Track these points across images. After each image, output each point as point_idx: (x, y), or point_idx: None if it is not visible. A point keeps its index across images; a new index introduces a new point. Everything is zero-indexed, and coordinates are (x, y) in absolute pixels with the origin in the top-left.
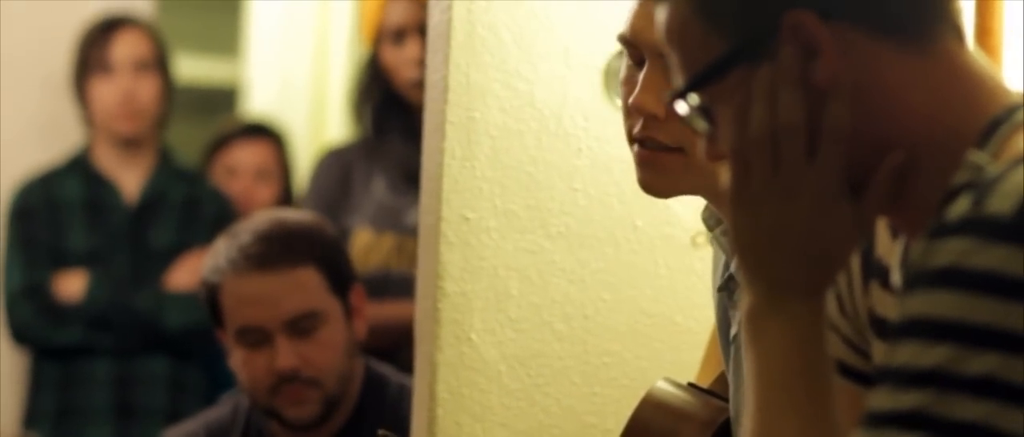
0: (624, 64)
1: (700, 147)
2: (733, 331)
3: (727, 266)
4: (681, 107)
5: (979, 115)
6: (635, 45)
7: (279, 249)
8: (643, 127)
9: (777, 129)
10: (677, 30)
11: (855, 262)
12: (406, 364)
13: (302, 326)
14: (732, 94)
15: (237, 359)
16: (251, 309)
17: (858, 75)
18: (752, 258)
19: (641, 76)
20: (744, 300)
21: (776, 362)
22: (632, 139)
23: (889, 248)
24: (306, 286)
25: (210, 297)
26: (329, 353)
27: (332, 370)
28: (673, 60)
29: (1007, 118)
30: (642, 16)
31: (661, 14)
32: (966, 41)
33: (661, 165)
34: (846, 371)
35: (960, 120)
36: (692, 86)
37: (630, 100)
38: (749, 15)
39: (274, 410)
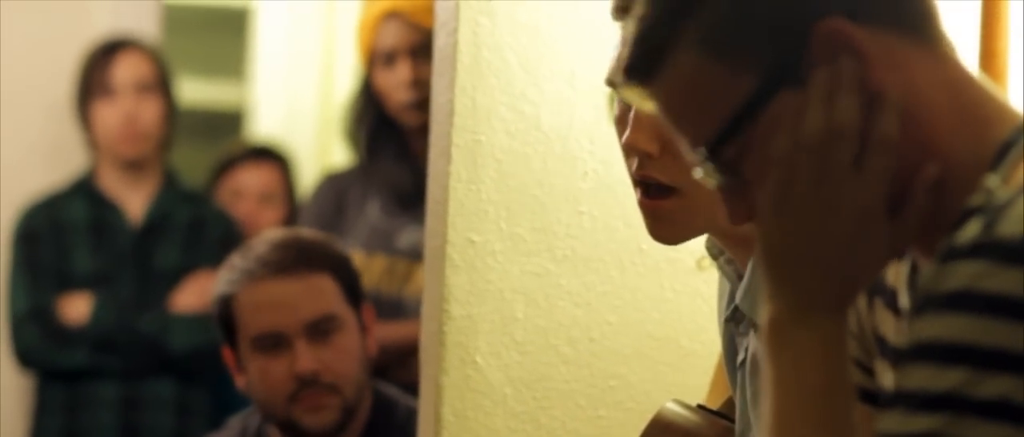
0: (616, 103)
1: (721, 210)
2: (739, 358)
3: (733, 296)
4: (699, 172)
5: (992, 133)
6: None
7: (296, 256)
8: (639, 167)
9: (832, 134)
10: (685, 87)
11: None
12: (397, 384)
13: (321, 328)
14: (767, 133)
15: (253, 370)
16: (269, 314)
17: (895, 82)
18: (783, 268)
19: (631, 115)
20: (766, 310)
21: (801, 375)
22: (633, 181)
23: (895, 268)
24: (324, 291)
25: (223, 310)
26: (347, 359)
27: (350, 377)
28: (682, 128)
29: (1017, 141)
30: None
31: (648, 101)
32: None
33: (663, 214)
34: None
35: (977, 137)
36: (731, 131)
37: (623, 140)
38: (774, 37)
39: (292, 420)
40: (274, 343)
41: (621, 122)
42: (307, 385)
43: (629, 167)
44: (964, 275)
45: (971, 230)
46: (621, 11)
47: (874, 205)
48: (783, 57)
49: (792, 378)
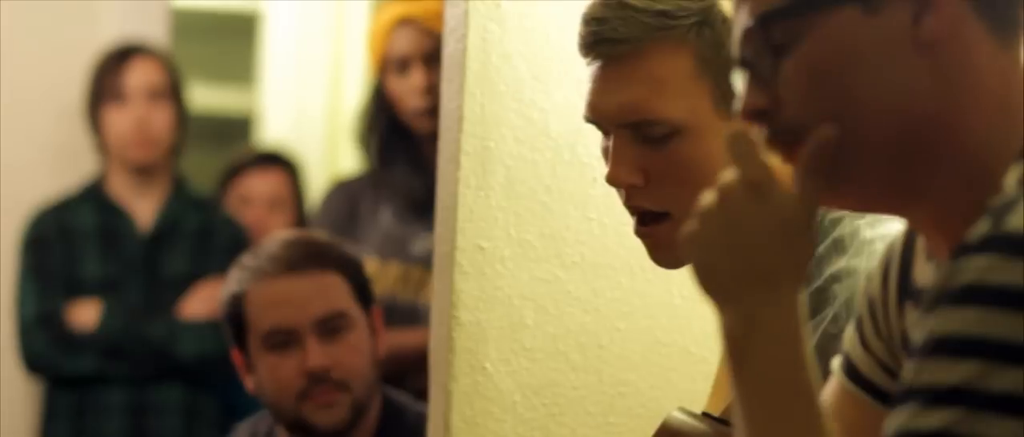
0: (601, 139)
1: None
2: None
3: None
4: (754, 33)
5: None
6: (597, 121)
7: (306, 254)
8: (627, 197)
9: (744, 185)
10: None
11: (892, 282)
12: (412, 391)
13: (331, 325)
14: (815, 45)
15: (263, 368)
16: (280, 310)
17: (955, 50)
18: (718, 283)
19: (610, 149)
20: (720, 326)
21: (771, 375)
22: (627, 210)
23: (924, 270)
24: (334, 288)
25: (234, 309)
26: (357, 357)
27: (360, 374)
28: None
29: None
30: (597, 91)
31: None
32: None
33: (659, 240)
34: (879, 394)
35: (1014, 131)
36: (789, 11)
37: (605, 175)
38: None
39: (302, 418)
40: (284, 340)
41: (605, 155)
42: (317, 382)
43: (621, 196)
44: (973, 270)
45: (981, 226)
46: (586, 47)
47: (794, 216)
48: None
49: (757, 380)
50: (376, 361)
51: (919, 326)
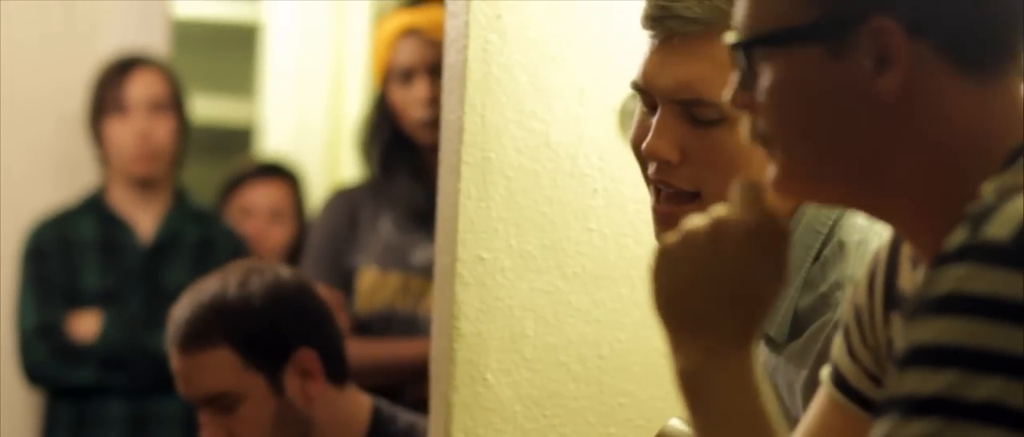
0: (638, 109)
1: (732, 111)
2: None
3: None
4: (732, 40)
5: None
6: (647, 92)
7: (193, 332)
8: (657, 171)
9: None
10: None
11: (878, 291)
12: (411, 402)
13: (221, 403)
14: (788, 67)
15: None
16: (180, 384)
17: (918, 97)
18: (682, 316)
19: (654, 122)
20: (675, 364)
21: (722, 410)
22: (648, 181)
23: (910, 278)
24: (217, 368)
25: None
26: (255, 429)
27: None
28: (748, 6)
29: None
30: (654, 63)
31: None
32: None
33: (679, 220)
34: (867, 405)
35: (996, 157)
36: (764, 40)
37: (644, 145)
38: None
39: None
40: (197, 409)
41: (641, 127)
42: None
43: (645, 171)
44: (951, 278)
45: (959, 235)
46: (652, 20)
47: (781, 273)
48: (838, 20)
49: (715, 415)
50: (291, 417)
51: (900, 335)
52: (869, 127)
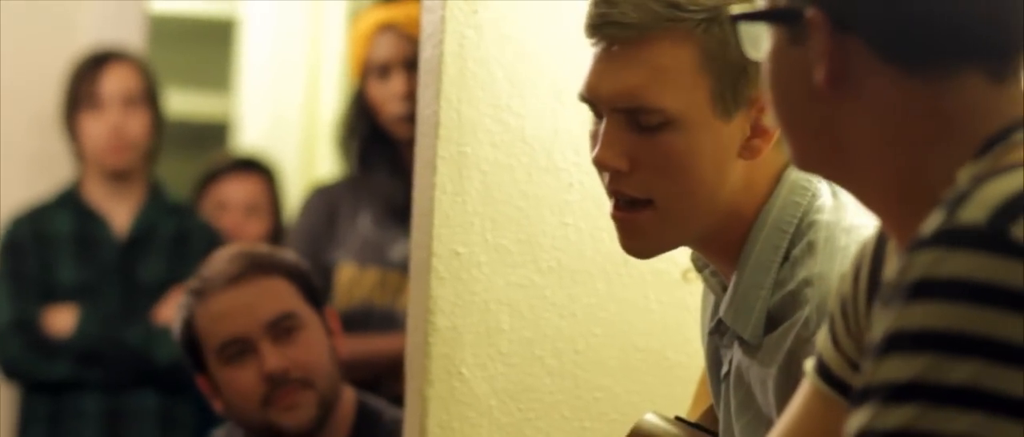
0: (590, 119)
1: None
2: (723, 369)
3: (717, 308)
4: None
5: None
6: (593, 102)
7: (246, 265)
8: (610, 180)
9: None
10: None
11: (863, 281)
12: (388, 397)
13: (283, 327)
14: (772, 45)
15: (224, 383)
16: (229, 321)
17: (852, 89)
18: None
19: (601, 132)
20: None
21: None
22: (607, 193)
23: (894, 267)
24: (280, 291)
25: (187, 336)
26: (314, 354)
27: (321, 371)
28: None
29: (1004, 137)
30: (596, 72)
31: None
32: (1007, 80)
33: (635, 226)
34: (848, 393)
35: (965, 150)
36: (749, 16)
37: (592, 156)
38: None
39: (269, 424)
40: (239, 350)
41: (594, 138)
42: (278, 384)
43: (603, 180)
44: (922, 264)
45: (934, 220)
46: (592, 29)
47: None
48: (790, 8)
49: None
50: (336, 359)
51: (877, 322)
52: (810, 114)
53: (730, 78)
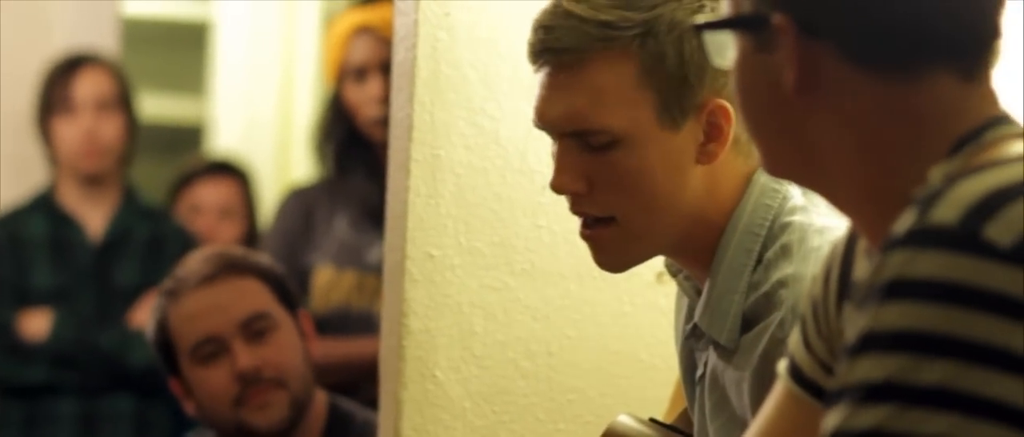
0: (551, 144)
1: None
2: (698, 372)
3: (691, 312)
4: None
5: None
6: (544, 129)
7: (220, 265)
8: (573, 203)
9: None
10: None
11: (833, 282)
12: (367, 400)
13: (256, 328)
14: (738, 54)
15: (196, 383)
16: (202, 321)
17: (821, 93)
18: None
19: (555, 157)
20: None
21: None
22: (573, 213)
23: (864, 268)
24: (253, 292)
25: (160, 336)
26: (287, 355)
27: (294, 371)
28: None
29: (975, 137)
30: (543, 99)
31: None
32: (977, 79)
33: (603, 243)
34: (821, 394)
35: (936, 150)
36: (714, 25)
37: (550, 183)
38: None
39: (241, 424)
40: (212, 350)
41: (555, 161)
42: (251, 383)
43: (568, 202)
44: (895, 264)
45: (906, 220)
46: (534, 55)
47: None
48: (756, 14)
49: None
50: (310, 361)
51: (850, 324)
52: (780, 120)
53: (672, 89)
